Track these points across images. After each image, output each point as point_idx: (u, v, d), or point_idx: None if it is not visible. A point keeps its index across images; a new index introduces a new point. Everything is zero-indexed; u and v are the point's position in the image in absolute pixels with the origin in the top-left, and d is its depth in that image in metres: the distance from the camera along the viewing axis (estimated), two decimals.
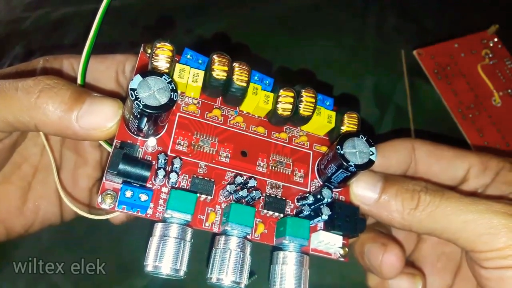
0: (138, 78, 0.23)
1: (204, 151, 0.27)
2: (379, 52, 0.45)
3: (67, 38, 0.47)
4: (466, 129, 0.44)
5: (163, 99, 0.23)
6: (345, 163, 0.25)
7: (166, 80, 0.23)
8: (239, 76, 0.27)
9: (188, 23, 0.47)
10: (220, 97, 0.29)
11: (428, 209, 0.25)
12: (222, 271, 0.23)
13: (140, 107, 0.22)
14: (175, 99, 0.23)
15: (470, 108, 0.42)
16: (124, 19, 0.47)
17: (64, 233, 0.33)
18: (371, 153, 0.26)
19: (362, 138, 0.26)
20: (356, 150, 0.26)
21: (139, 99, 0.22)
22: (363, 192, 0.27)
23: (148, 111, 0.22)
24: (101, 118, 0.24)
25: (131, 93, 0.22)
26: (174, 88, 0.23)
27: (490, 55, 0.44)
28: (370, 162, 0.26)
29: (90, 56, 0.26)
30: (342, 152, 0.26)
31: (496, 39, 0.45)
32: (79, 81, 0.26)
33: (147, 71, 0.23)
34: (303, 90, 0.28)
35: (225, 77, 0.26)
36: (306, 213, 0.27)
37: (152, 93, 0.23)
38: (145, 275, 0.33)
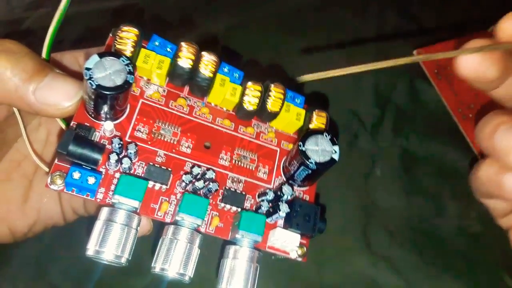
0: (95, 57, 0.22)
1: (165, 139, 0.26)
2: (379, 52, 0.45)
3: (68, 38, 0.47)
4: (466, 129, 0.43)
5: (118, 81, 0.22)
6: (305, 160, 0.25)
7: (124, 62, 0.23)
8: (206, 65, 0.26)
9: (187, 23, 0.47)
10: (187, 87, 0.28)
11: None
12: (166, 261, 0.22)
13: (93, 87, 0.21)
14: (130, 81, 0.22)
15: (470, 108, 0.41)
16: (124, 19, 0.47)
17: (64, 233, 0.32)
18: (333, 151, 0.25)
19: (326, 136, 0.26)
20: (318, 148, 0.25)
21: (92, 79, 0.22)
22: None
23: (101, 91, 0.22)
24: (60, 96, 0.23)
25: (85, 72, 0.22)
26: (131, 70, 0.23)
27: None
28: (332, 161, 0.25)
29: (58, 28, 0.25)
30: (303, 149, 0.25)
31: None
32: (44, 55, 0.25)
33: (105, 51, 0.23)
34: (272, 85, 0.28)
35: (191, 66, 0.26)
36: (264, 209, 0.26)
37: (108, 74, 0.22)
38: (145, 275, 0.32)
